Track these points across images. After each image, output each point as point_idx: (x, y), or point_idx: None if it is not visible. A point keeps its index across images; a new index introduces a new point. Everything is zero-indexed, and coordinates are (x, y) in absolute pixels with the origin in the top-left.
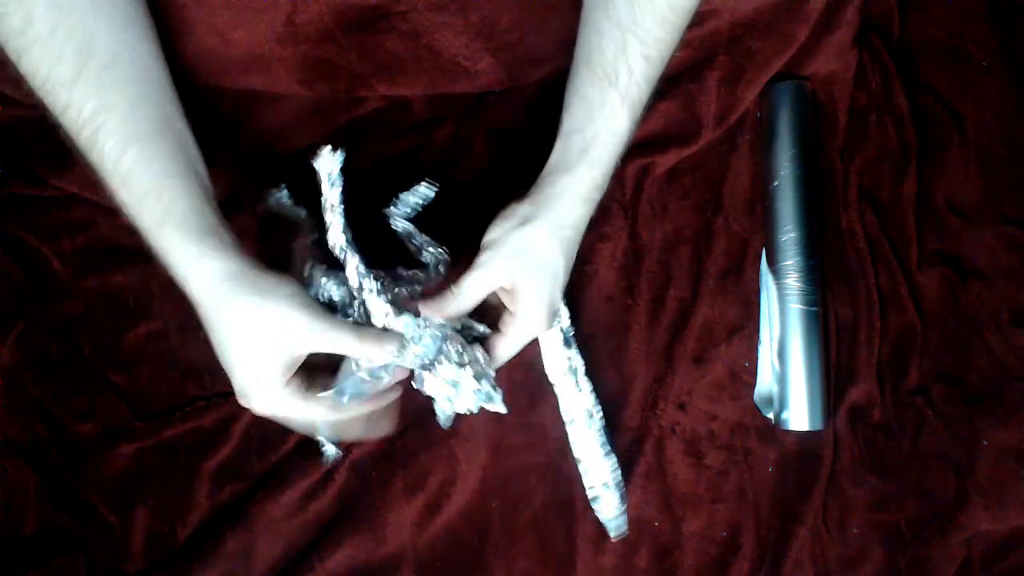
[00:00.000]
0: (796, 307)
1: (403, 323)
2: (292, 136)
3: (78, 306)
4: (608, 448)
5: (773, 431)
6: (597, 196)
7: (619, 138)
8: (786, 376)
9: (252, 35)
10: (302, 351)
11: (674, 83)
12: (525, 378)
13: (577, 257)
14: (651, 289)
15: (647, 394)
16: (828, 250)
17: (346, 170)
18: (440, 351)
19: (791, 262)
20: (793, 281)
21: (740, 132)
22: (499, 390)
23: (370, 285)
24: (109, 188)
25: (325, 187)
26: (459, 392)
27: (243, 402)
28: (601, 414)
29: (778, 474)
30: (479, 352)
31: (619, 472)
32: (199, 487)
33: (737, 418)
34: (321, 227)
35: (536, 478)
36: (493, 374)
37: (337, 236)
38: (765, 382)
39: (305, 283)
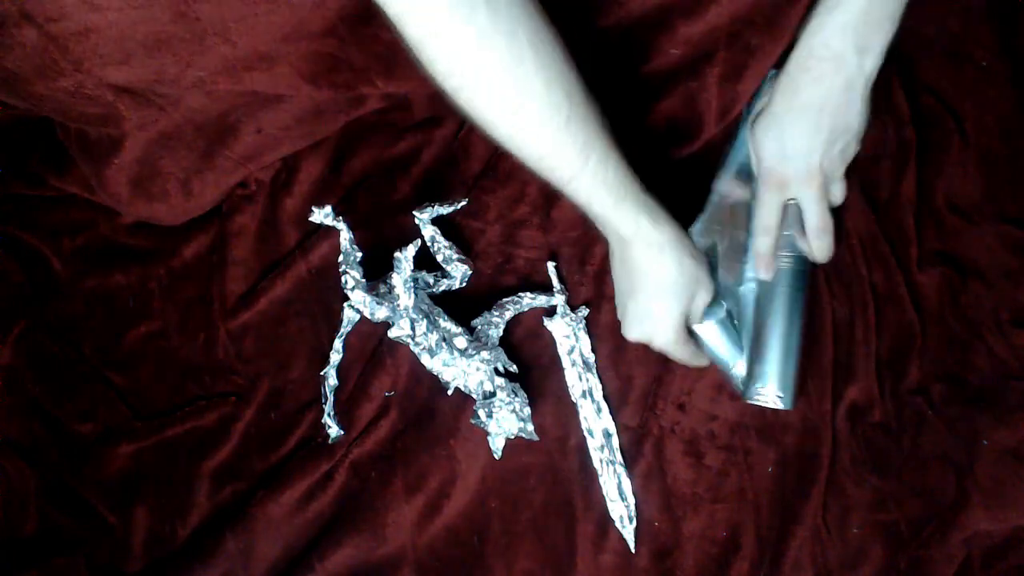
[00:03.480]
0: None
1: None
2: (294, 136)
3: (78, 306)
4: (623, 465)
5: (773, 431)
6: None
7: None
8: (761, 351)
9: (258, 34)
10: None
11: (674, 81)
12: (524, 378)
13: (577, 257)
14: None
15: (647, 394)
16: None
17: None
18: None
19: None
20: (783, 263)
21: None
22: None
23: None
24: (596, 202)
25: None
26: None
27: (639, 334)
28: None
29: (778, 474)
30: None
31: (630, 485)
32: (199, 487)
33: (737, 418)
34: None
35: (536, 478)
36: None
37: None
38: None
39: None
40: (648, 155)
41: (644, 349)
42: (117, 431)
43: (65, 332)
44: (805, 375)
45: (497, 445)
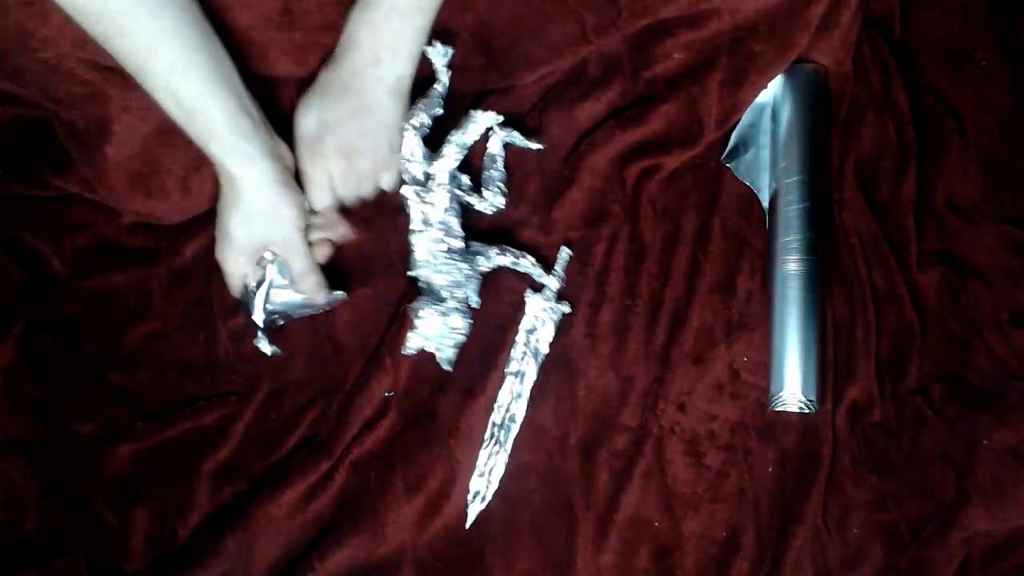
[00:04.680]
0: (793, 292)
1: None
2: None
3: (78, 306)
4: (508, 454)
5: (773, 431)
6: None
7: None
8: (781, 356)
9: (249, 18)
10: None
11: (675, 86)
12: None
13: (577, 257)
14: (650, 289)
15: (647, 394)
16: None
17: None
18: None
19: (792, 239)
20: (793, 264)
21: None
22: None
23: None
24: (159, 102)
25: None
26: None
27: (219, 253)
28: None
29: (778, 474)
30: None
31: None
32: (199, 487)
33: (737, 418)
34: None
35: (536, 478)
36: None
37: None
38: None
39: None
40: None
41: (644, 349)
42: (117, 431)
43: (65, 332)
44: (824, 377)
45: (412, 344)
